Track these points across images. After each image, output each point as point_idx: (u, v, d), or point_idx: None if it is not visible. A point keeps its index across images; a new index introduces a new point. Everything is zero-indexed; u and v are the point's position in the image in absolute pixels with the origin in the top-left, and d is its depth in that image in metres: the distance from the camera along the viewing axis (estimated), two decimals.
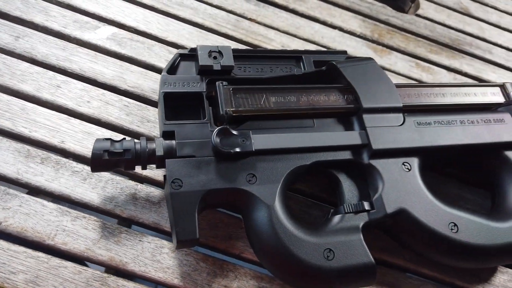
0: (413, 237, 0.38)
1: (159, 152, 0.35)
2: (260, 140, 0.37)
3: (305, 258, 0.33)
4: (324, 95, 0.40)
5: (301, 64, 0.44)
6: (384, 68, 0.55)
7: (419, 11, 0.64)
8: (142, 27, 0.49)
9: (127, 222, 0.38)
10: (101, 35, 0.46)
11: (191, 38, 0.49)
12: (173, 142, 0.35)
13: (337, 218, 0.36)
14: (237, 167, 0.35)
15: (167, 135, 0.36)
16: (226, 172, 0.35)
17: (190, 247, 0.35)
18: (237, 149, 0.34)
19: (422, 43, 0.59)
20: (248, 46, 0.52)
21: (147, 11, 0.50)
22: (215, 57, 0.39)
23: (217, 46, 0.40)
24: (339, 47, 0.55)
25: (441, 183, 0.47)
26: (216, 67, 0.39)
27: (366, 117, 0.40)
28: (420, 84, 0.45)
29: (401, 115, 0.41)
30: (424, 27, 0.62)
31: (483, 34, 0.64)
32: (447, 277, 0.41)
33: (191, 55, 0.40)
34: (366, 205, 0.37)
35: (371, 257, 0.34)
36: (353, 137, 0.39)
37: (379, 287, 0.39)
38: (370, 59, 0.43)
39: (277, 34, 0.54)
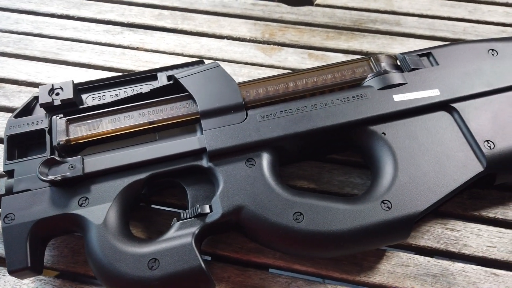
0: (259, 233, 0.37)
1: (1, 191, 0.38)
2: (93, 163, 0.38)
3: (127, 271, 0.33)
4: (163, 107, 0.41)
5: (158, 81, 0.45)
6: (273, 66, 0.55)
7: (319, 0, 0.62)
8: (32, 78, 0.53)
9: None
10: None
11: (76, 79, 0.53)
12: (13, 180, 0.38)
13: (175, 226, 0.36)
14: (70, 193, 0.37)
15: (9, 174, 0.39)
16: (59, 200, 0.37)
17: (31, 276, 0.36)
18: (59, 177, 0.36)
19: (317, 32, 0.58)
20: None
21: (38, 63, 0.55)
22: (57, 93, 0.42)
23: (59, 83, 0.42)
24: (226, 55, 0.56)
25: (326, 171, 0.45)
26: (57, 102, 0.41)
27: (205, 121, 0.40)
28: (272, 76, 0.43)
29: (244, 112, 0.41)
30: (322, 16, 0.60)
31: (391, 6, 0.61)
32: (323, 270, 0.39)
33: None
34: (204, 208, 0.36)
35: (200, 261, 0.34)
36: (191, 143, 0.39)
37: None
38: (214, 64, 0.43)
39: (162, 56, 0.56)
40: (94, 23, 0.60)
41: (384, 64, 0.44)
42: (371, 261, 0.39)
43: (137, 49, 0.57)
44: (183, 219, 0.36)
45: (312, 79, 0.43)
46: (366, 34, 0.57)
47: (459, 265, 0.39)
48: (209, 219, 0.36)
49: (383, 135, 0.40)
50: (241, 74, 0.53)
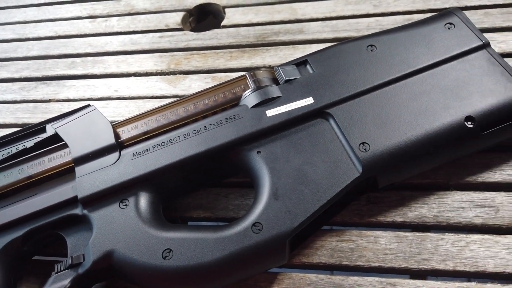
0: (132, 276, 0.36)
1: None
2: None
3: None
4: (42, 160, 0.41)
5: (47, 133, 0.46)
6: (178, 96, 0.54)
7: (224, 22, 0.62)
8: None
9: None
10: None
11: None
12: None
13: (50, 279, 0.36)
14: None
15: None
16: None
17: None
18: None
19: (221, 54, 0.57)
20: None
21: None
22: None
23: None
24: (133, 93, 0.56)
25: (223, 196, 0.43)
26: None
27: (79, 167, 0.40)
28: (153, 109, 0.43)
29: (117, 152, 0.40)
30: (227, 36, 0.59)
31: (295, 15, 0.60)
32: None
33: None
34: (77, 258, 0.36)
35: None
36: (65, 193, 0.39)
37: None
38: (90, 108, 0.44)
39: (72, 104, 0.56)
40: (11, 82, 0.62)
41: (261, 79, 0.43)
42: (261, 286, 0.37)
43: (49, 101, 0.58)
44: (57, 272, 0.36)
45: (191, 106, 0.43)
46: (269, 47, 0.56)
47: (353, 279, 0.36)
48: (81, 269, 0.35)
49: (258, 153, 0.39)
50: (145, 109, 0.53)
